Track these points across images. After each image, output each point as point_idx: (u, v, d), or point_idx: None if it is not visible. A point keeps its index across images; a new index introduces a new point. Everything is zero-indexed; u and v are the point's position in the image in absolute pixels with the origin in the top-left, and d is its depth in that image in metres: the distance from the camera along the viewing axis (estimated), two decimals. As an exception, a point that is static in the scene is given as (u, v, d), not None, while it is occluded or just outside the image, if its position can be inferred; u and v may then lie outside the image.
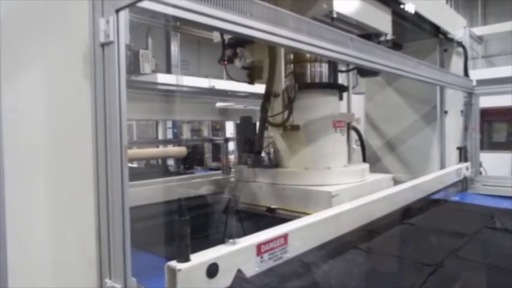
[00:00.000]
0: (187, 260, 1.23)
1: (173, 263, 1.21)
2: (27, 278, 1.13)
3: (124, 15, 1.12)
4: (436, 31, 4.27)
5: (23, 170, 1.15)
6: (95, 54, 1.17)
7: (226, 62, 3.09)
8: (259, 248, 1.50)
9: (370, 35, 2.88)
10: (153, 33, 8.64)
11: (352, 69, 3.59)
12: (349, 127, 4.81)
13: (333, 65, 3.11)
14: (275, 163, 3.03)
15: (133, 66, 6.29)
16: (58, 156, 1.20)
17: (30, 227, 1.15)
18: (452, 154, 4.33)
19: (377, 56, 2.35)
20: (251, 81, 3.44)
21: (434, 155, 4.46)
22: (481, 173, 4.89)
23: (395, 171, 4.77)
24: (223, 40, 3.02)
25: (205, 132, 10.16)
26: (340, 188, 2.62)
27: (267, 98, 2.92)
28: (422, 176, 4.45)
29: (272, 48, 2.85)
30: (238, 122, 3.39)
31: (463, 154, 4.06)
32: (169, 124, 9.29)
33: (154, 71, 6.66)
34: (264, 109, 2.90)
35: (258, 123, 3.08)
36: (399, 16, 3.73)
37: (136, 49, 6.79)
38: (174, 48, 11.80)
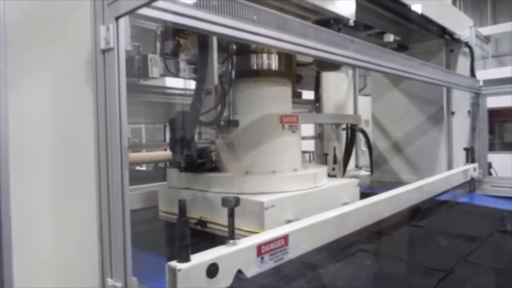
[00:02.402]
0: (187, 260, 1.26)
1: (173, 263, 1.24)
2: (32, 277, 1.17)
3: (124, 22, 1.16)
4: (442, 32, 4.25)
5: (27, 173, 1.19)
6: (97, 60, 1.21)
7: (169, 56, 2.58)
8: (260, 249, 1.52)
9: (328, 20, 2.48)
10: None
11: (310, 63, 3.25)
12: (356, 129, 4.84)
13: (286, 54, 2.66)
14: (213, 167, 2.59)
15: (142, 71, 6.36)
16: (62, 158, 1.24)
17: (35, 228, 1.19)
18: (459, 155, 4.29)
19: (378, 58, 2.36)
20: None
21: (441, 156, 4.43)
22: (491, 174, 4.84)
23: (403, 173, 4.76)
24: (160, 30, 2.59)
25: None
26: (278, 198, 2.13)
27: (197, 96, 2.42)
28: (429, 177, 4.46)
29: (202, 36, 2.31)
30: (172, 117, 2.66)
31: (470, 155, 4.02)
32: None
33: (163, 75, 6.72)
34: (195, 109, 2.42)
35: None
36: (404, 18, 3.74)
37: (145, 53, 6.87)
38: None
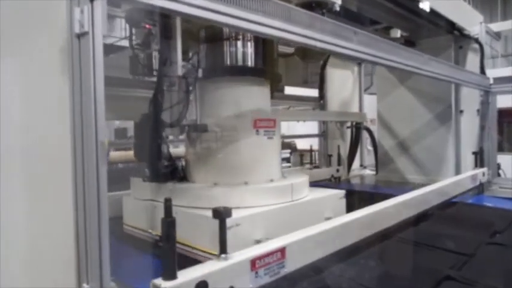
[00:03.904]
0: (173, 277, 1.15)
1: (158, 281, 1.13)
2: (3, 282, 1.09)
3: (100, 4, 1.05)
4: (451, 27, 4.12)
5: (-2, 169, 1.10)
6: (72, 46, 1.11)
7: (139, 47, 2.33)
8: (254, 263, 1.39)
9: (310, 3, 2.21)
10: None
11: (291, 54, 3.00)
12: (361, 127, 4.73)
13: (261, 45, 2.37)
14: (182, 176, 2.34)
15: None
16: (35, 155, 1.15)
17: (6, 230, 1.11)
18: (468, 155, 4.15)
19: (383, 51, 2.25)
20: None
21: (449, 156, 4.29)
22: (499, 175, 4.69)
23: (409, 173, 4.64)
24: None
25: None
26: (246, 214, 1.87)
27: (159, 89, 2.13)
28: (437, 177, 4.32)
29: (165, 18, 2.06)
30: (136, 121, 2.38)
31: (479, 159, 3.90)
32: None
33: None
34: (157, 103, 2.12)
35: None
36: (413, 12, 3.62)
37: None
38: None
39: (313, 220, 2.06)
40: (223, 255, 1.33)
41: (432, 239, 2.17)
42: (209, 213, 1.61)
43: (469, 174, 3.63)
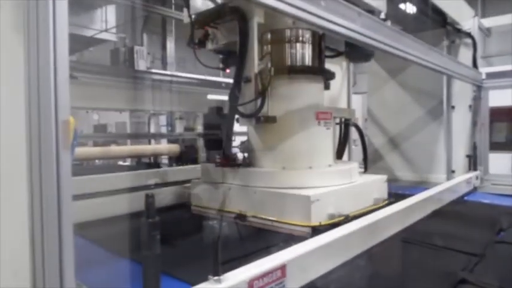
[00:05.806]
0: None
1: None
2: None
3: None
4: (443, 21, 4.02)
5: None
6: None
7: (196, 46, 2.63)
8: (252, 285, 1.24)
9: None
10: (148, 29, 8.54)
11: (340, 54, 3.14)
12: (350, 124, 4.57)
13: (318, 47, 2.64)
14: (248, 162, 2.62)
15: (128, 63, 6.10)
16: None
17: None
18: (460, 151, 4.06)
19: (386, 36, 2.09)
20: (225, 67, 3.02)
21: (440, 153, 4.19)
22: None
23: (399, 170, 4.51)
24: (190, 17, 2.49)
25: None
26: (322, 192, 2.16)
27: (237, 83, 2.39)
28: (427, 174, 4.22)
29: (243, 23, 2.33)
30: (205, 112, 3.03)
31: (473, 158, 3.82)
32: (163, 122, 8.99)
33: (149, 68, 6.43)
34: (234, 97, 2.38)
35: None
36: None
37: (131, 45, 6.56)
38: (170, 44, 11.49)
39: (366, 199, 2.53)
40: (215, 278, 1.16)
41: (438, 239, 2.02)
42: (290, 191, 2.17)
43: (463, 178, 3.58)
